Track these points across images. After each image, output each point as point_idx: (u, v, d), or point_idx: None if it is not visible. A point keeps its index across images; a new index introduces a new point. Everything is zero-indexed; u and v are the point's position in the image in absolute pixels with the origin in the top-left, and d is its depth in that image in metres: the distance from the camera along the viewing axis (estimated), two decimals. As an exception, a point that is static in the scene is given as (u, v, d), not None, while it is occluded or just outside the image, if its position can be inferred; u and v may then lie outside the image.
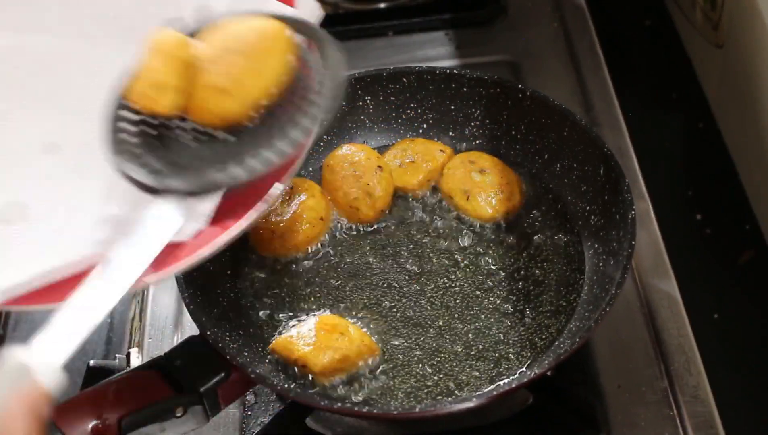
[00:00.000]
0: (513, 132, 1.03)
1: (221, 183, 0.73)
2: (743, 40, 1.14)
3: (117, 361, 0.95)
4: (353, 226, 0.99)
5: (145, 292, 1.03)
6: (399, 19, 1.26)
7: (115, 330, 1.11)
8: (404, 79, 1.04)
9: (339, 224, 0.99)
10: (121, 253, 0.65)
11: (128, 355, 0.97)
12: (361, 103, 1.05)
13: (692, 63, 1.31)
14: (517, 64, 1.20)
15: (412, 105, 1.05)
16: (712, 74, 1.26)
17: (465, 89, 1.04)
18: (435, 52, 1.23)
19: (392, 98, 1.05)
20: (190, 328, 0.97)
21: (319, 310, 0.93)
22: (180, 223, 0.70)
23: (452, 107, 1.05)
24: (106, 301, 0.62)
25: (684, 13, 1.32)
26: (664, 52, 1.35)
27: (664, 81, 1.31)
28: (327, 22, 1.27)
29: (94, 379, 0.92)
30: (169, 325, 1.00)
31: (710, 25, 1.22)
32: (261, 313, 0.93)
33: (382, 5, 1.28)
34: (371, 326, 0.91)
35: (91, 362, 0.94)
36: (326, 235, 0.98)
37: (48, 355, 0.57)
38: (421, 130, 1.06)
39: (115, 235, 0.75)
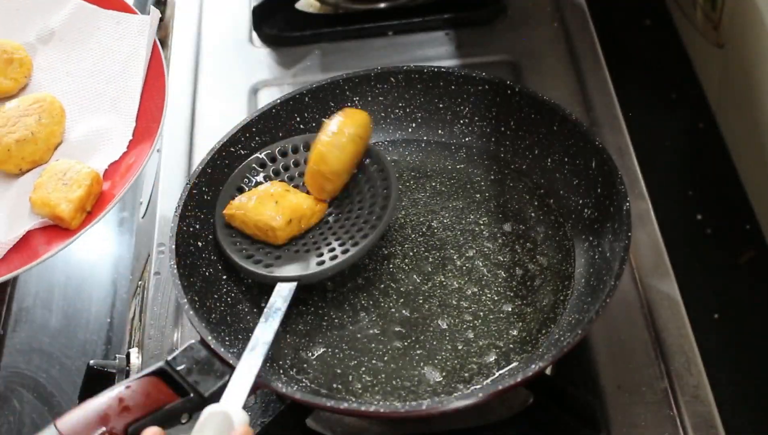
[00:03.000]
0: (503, 128, 1.03)
1: (320, 273, 0.91)
2: (743, 40, 1.14)
3: (117, 361, 0.95)
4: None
5: (145, 292, 1.03)
6: (399, 19, 1.26)
7: (115, 330, 1.11)
8: (392, 79, 1.05)
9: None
10: (260, 330, 0.85)
11: (128, 355, 0.97)
12: (349, 104, 1.05)
13: (692, 63, 1.31)
14: (517, 64, 1.20)
15: (400, 104, 1.05)
16: (712, 74, 1.26)
17: (453, 87, 1.04)
18: (435, 52, 1.23)
19: (380, 98, 1.05)
20: (189, 328, 0.97)
21: (317, 312, 0.93)
22: (290, 296, 0.90)
23: (441, 106, 1.05)
24: (255, 366, 0.82)
25: (684, 13, 1.32)
26: (664, 52, 1.35)
27: (664, 81, 1.32)
28: (327, 22, 1.28)
29: (94, 379, 0.93)
30: (169, 325, 1.00)
31: (710, 25, 1.22)
32: (258, 316, 0.93)
33: (382, 5, 1.28)
34: (370, 327, 0.91)
35: (91, 362, 0.94)
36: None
37: (232, 402, 0.78)
38: (410, 129, 1.06)
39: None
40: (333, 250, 0.92)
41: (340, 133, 0.94)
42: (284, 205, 0.94)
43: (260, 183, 0.98)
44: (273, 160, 1.00)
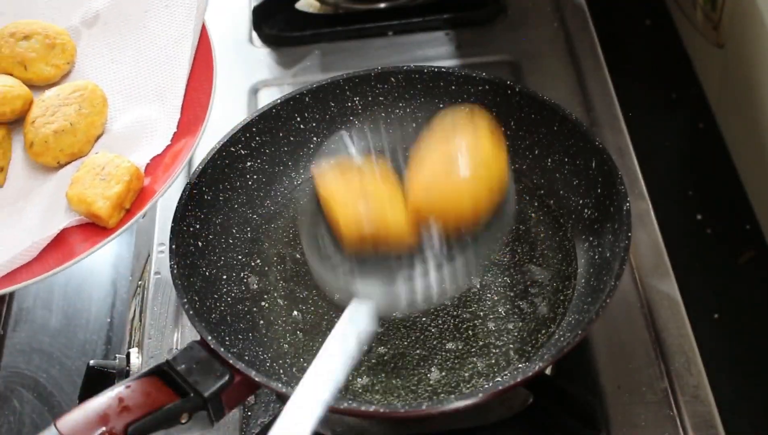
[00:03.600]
0: (503, 129, 1.02)
1: (403, 306, 0.82)
2: (743, 40, 1.14)
3: (117, 361, 0.95)
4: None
5: (145, 292, 1.03)
6: (399, 19, 1.26)
7: (115, 330, 1.11)
8: (392, 79, 1.04)
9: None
10: (323, 360, 0.74)
11: (128, 355, 0.97)
12: (350, 104, 1.05)
13: (692, 63, 1.31)
14: (517, 64, 1.20)
15: (400, 104, 1.05)
16: (712, 74, 1.26)
17: (453, 87, 1.04)
18: (435, 52, 1.23)
19: (381, 98, 1.05)
20: (189, 328, 0.97)
21: (317, 311, 0.93)
22: (371, 325, 0.76)
23: (441, 106, 1.04)
24: (321, 396, 0.72)
25: (684, 13, 1.32)
26: (664, 52, 1.35)
27: (664, 81, 1.32)
28: (327, 22, 1.28)
29: (94, 379, 0.93)
30: (169, 325, 1.00)
31: (711, 25, 1.22)
32: (258, 316, 0.93)
33: (382, 5, 1.28)
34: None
35: (91, 362, 0.94)
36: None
37: None
38: (410, 130, 1.06)
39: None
40: (427, 271, 0.81)
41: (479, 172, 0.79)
42: (370, 209, 0.80)
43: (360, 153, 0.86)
44: (376, 131, 0.89)
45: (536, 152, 1.01)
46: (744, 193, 1.17)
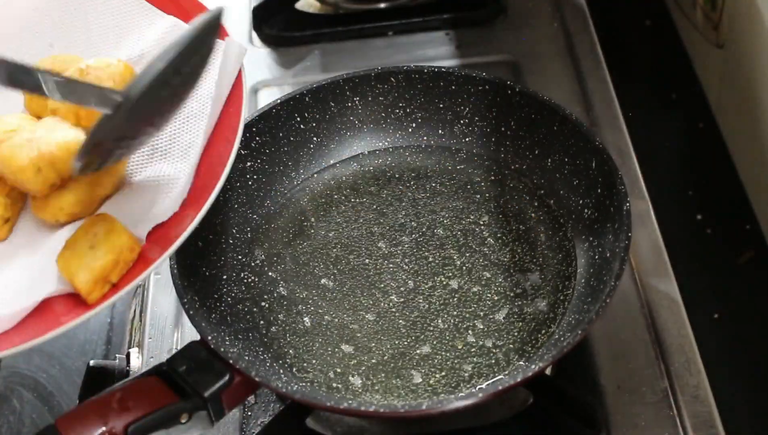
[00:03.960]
0: (503, 129, 1.03)
1: None
2: (743, 40, 1.14)
3: (117, 361, 0.96)
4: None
5: (145, 292, 1.03)
6: (399, 19, 1.26)
7: (115, 330, 1.11)
8: (392, 79, 1.05)
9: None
10: None
11: (128, 355, 0.97)
12: (350, 104, 1.05)
13: (692, 63, 1.31)
14: (517, 64, 1.20)
15: (401, 104, 1.05)
16: (712, 74, 1.26)
17: (453, 87, 1.04)
18: (435, 52, 1.23)
19: (381, 98, 1.05)
20: (189, 328, 0.96)
21: (317, 312, 0.93)
22: None
23: (441, 106, 1.05)
24: None
25: (684, 13, 1.32)
26: (664, 52, 1.35)
27: (664, 81, 1.32)
28: (327, 22, 1.28)
29: (94, 379, 0.93)
30: (169, 325, 1.00)
31: (710, 25, 1.22)
32: (258, 316, 0.93)
33: (382, 5, 1.28)
34: (370, 326, 0.91)
35: (91, 362, 0.94)
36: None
37: None
38: (410, 129, 1.06)
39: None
40: None
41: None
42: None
43: None
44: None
45: (536, 152, 1.01)
46: (744, 193, 1.17)
